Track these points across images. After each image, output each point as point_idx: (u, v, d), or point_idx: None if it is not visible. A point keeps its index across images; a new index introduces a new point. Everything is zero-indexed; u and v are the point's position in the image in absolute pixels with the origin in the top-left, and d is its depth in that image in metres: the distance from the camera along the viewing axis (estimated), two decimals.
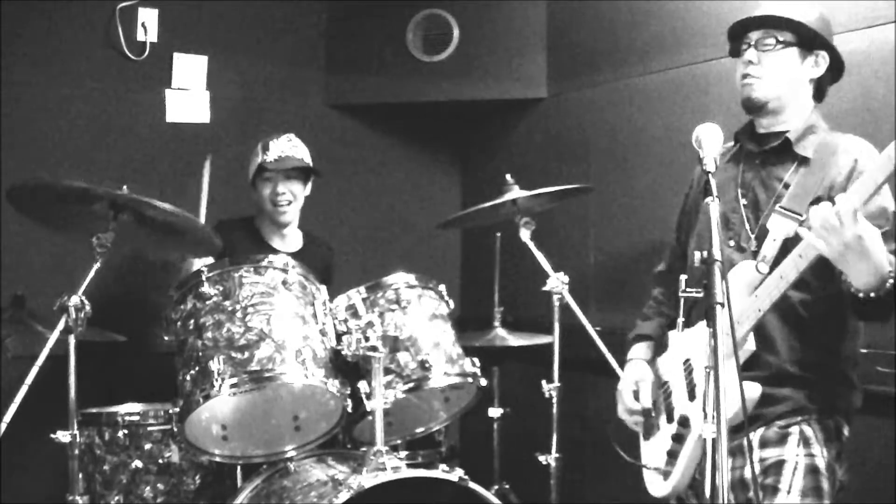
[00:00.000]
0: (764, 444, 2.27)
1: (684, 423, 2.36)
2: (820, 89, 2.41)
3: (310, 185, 3.55)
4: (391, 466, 2.57)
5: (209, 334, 2.67)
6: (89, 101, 3.78)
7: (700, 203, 2.42)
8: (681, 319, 2.20)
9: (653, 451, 2.50)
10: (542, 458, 3.08)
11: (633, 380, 2.59)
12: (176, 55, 3.91)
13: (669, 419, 2.44)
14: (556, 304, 3.06)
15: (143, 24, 3.84)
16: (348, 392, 2.74)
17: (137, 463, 2.87)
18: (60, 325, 2.39)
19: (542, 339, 3.34)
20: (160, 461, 2.89)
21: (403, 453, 3.21)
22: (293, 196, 3.47)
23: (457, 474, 2.58)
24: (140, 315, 3.65)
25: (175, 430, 2.70)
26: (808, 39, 2.34)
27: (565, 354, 3.09)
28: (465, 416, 3.13)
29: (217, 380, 2.59)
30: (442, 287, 3.04)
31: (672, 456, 2.39)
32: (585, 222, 3.87)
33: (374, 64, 4.27)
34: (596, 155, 3.85)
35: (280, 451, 2.86)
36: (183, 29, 3.94)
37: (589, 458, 3.49)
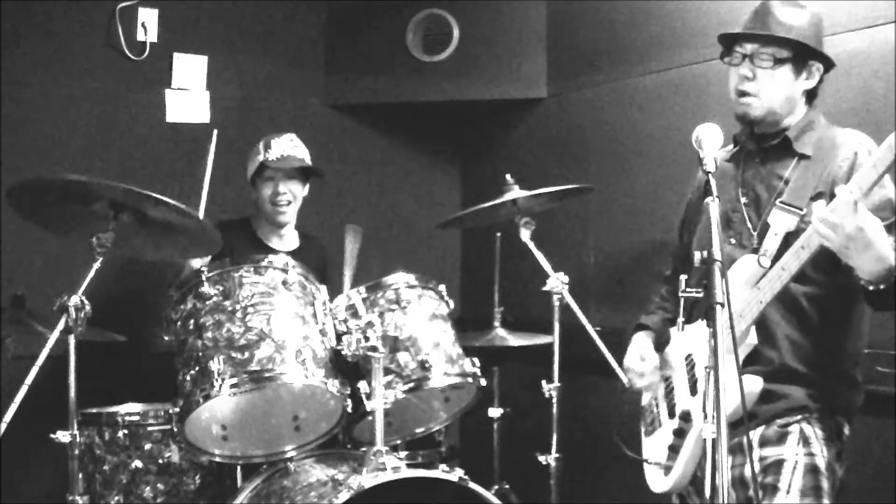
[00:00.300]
0: (764, 442, 2.27)
1: (686, 417, 2.36)
2: (813, 93, 2.41)
3: (307, 186, 3.55)
4: (391, 466, 2.57)
5: (209, 334, 2.67)
6: (89, 101, 3.78)
7: (701, 205, 2.43)
8: (681, 319, 2.20)
9: (654, 447, 2.50)
10: (542, 458, 3.08)
11: (638, 353, 2.59)
12: (176, 55, 3.91)
13: (671, 414, 2.44)
14: (556, 304, 3.06)
15: (143, 24, 3.84)
16: (348, 392, 2.74)
17: (137, 463, 2.87)
18: (60, 325, 2.39)
19: (542, 339, 3.34)
20: (160, 461, 2.89)
21: (403, 453, 3.21)
22: (293, 196, 3.46)
23: (457, 474, 2.58)
24: (140, 315, 3.65)
25: (175, 430, 2.70)
26: (803, 53, 2.34)
27: (565, 354, 3.09)
28: (465, 416, 3.13)
29: (217, 380, 2.59)
30: (442, 287, 3.04)
31: (673, 451, 2.39)
32: (585, 222, 3.87)
33: (374, 64, 4.27)
34: (596, 155, 3.85)
35: (280, 451, 2.86)
36: (183, 29, 3.94)
37: (589, 458, 3.49)
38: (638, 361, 2.58)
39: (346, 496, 2.44)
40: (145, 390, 3.11)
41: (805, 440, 2.24)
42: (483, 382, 2.97)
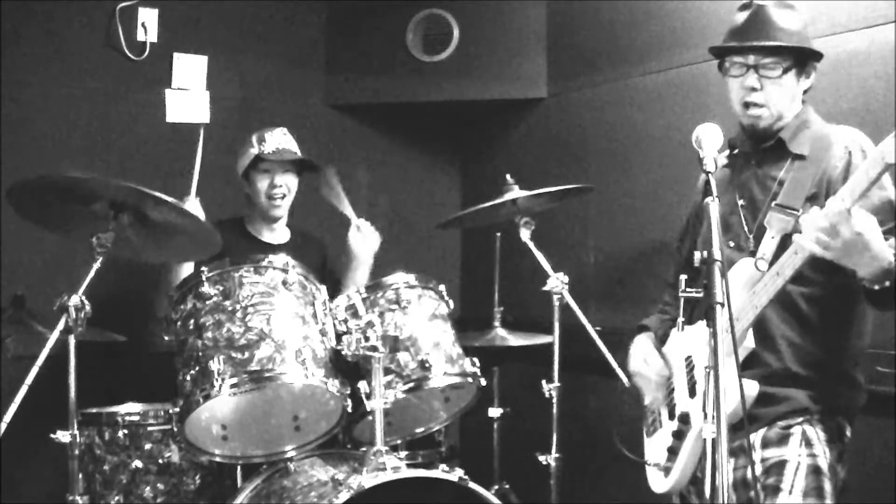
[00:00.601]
0: (766, 444, 2.27)
1: (685, 419, 2.36)
2: (807, 90, 2.42)
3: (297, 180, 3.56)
4: (391, 466, 2.57)
5: (209, 334, 2.67)
6: (89, 101, 3.78)
7: (701, 206, 2.43)
8: (681, 319, 2.21)
9: (655, 448, 2.51)
10: (542, 458, 3.08)
11: (641, 356, 2.59)
12: (176, 55, 3.91)
13: (671, 416, 2.44)
14: (556, 304, 3.06)
15: (143, 24, 3.84)
16: (348, 392, 2.74)
17: (137, 463, 2.87)
18: (60, 325, 2.39)
19: (542, 339, 3.34)
20: (160, 461, 2.89)
21: (403, 453, 3.21)
22: (288, 189, 3.46)
23: (457, 474, 2.58)
24: (140, 315, 3.65)
25: (175, 430, 2.70)
26: (805, 55, 2.34)
27: (565, 354, 3.09)
28: (465, 416, 3.13)
29: (217, 380, 2.59)
30: (442, 287, 3.04)
31: (673, 452, 2.40)
32: (585, 222, 3.87)
33: (374, 64, 4.27)
34: (596, 155, 3.85)
35: (280, 451, 2.86)
36: (183, 29, 3.94)
37: (589, 458, 3.49)
38: (642, 364, 2.57)
39: (346, 496, 2.44)
40: (145, 390, 3.11)
41: (807, 441, 2.24)
42: (483, 382, 2.98)
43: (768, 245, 2.25)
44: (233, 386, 2.60)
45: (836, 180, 2.24)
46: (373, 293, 2.90)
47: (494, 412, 3.51)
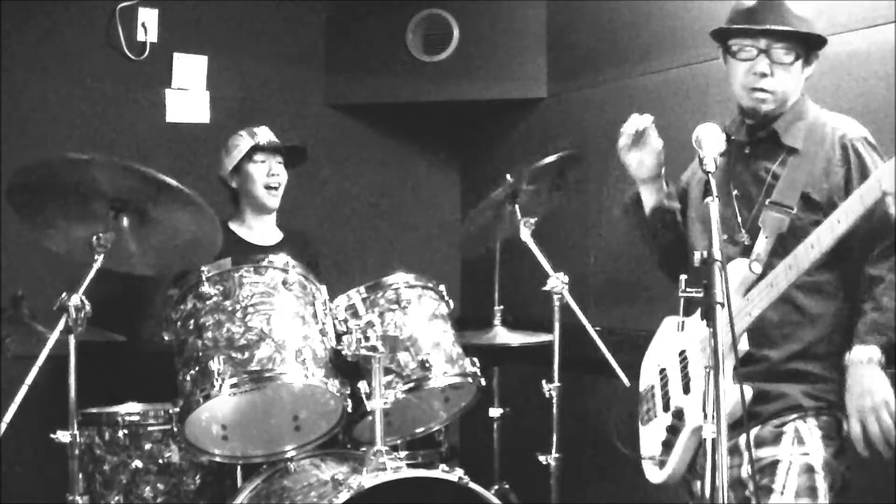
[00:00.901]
0: (759, 443, 2.26)
1: (679, 415, 2.36)
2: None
3: None
4: (391, 466, 2.57)
5: (209, 334, 2.67)
6: (89, 101, 3.78)
7: (698, 199, 2.43)
8: (681, 319, 2.20)
9: (650, 437, 2.50)
10: (542, 458, 3.08)
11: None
12: (176, 55, 3.91)
13: (665, 408, 2.44)
14: (556, 304, 3.06)
15: (143, 24, 3.84)
16: (348, 392, 2.74)
17: (137, 463, 2.87)
18: (60, 325, 2.39)
19: (542, 339, 3.34)
20: (160, 461, 2.89)
21: (403, 453, 3.20)
22: (283, 179, 3.50)
23: (457, 474, 2.58)
24: (140, 315, 3.65)
25: (175, 430, 2.70)
26: (810, 45, 2.33)
27: (565, 354, 3.08)
28: (465, 416, 3.13)
29: (217, 380, 2.59)
30: (442, 287, 3.04)
31: (667, 446, 2.40)
32: (585, 222, 3.87)
33: (374, 64, 4.27)
34: (596, 155, 3.84)
35: (280, 451, 2.86)
36: (183, 29, 3.94)
37: (589, 458, 3.49)
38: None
39: (346, 496, 2.44)
40: (145, 390, 3.11)
41: (800, 439, 2.24)
42: (483, 382, 2.98)
43: (763, 245, 2.25)
44: (233, 386, 2.60)
45: (836, 180, 2.24)
46: (373, 293, 2.90)
47: (494, 412, 3.50)
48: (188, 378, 2.66)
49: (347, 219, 4.35)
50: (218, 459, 2.82)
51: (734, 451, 2.24)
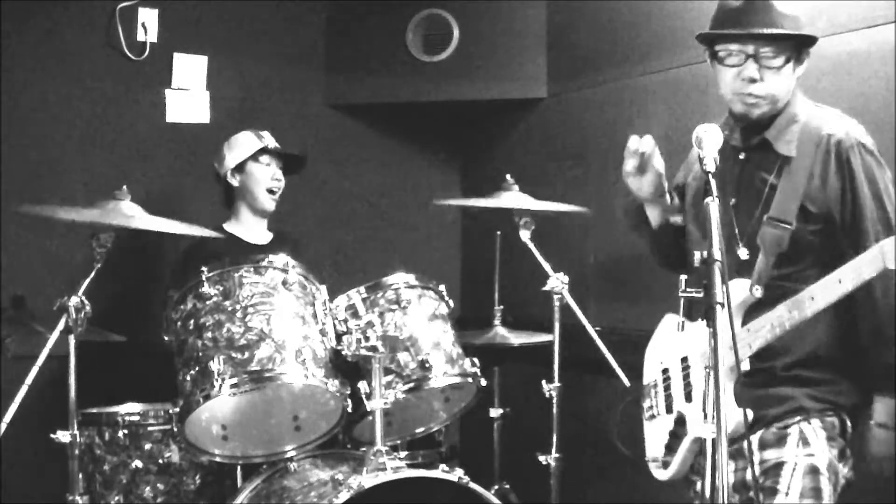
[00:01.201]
0: (763, 445, 2.26)
1: (681, 421, 2.36)
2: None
3: None
4: (391, 466, 2.57)
5: (209, 334, 2.67)
6: (89, 101, 3.78)
7: (697, 199, 2.42)
8: (681, 319, 2.20)
9: (653, 435, 2.50)
10: (542, 458, 3.08)
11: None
12: (176, 55, 3.91)
13: (668, 410, 2.44)
14: (556, 304, 3.06)
15: (143, 24, 3.83)
16: (348, 392, 2.74)
17: (137, 463, 2.87)
18: (60, 325, 2.39)
19: (542, 339, 3.34)
20: (160, 461, 2.89)
21: (403, 453, 3.20)
22: (282, 185, 3.53)
23: (457, 474, 2.58)
24: (140, 315, 3.65)
25: (175, 430, 2.70)
26: (801, 43, 2.26)
27: (565, 354, 3.09)
28: (465, 416, 3.13)
29: (217, 380, 2.59)
30: (442, 287, 3.04)
31: (670, 449, 2.40)
32: (585, 222, 3.87)
33: (374, 64, 4.27)
34: (596, 155, 3.84)
35: (280, 451, 2.86)
36: (183, 29, 3.94)
37: (589, 458, 3.49)
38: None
39: (346, 496, 2.44)
40: (145, 390, 3.11)
41: (804, 441, 2.23)
42: (483, 382, 2.98)
43: (762, 265, 2.22)
44: (233, 386, 2.60)
45: (834, 200, 2.21)
46: (373, 293, 2.90)
47: (494, 412, 3.51)
48: (188, 378, 2.66)
49: (347, 219, 4.35)
50: (218, 459, 2.82)
51: (739, 454, 2.23)
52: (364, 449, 2.71)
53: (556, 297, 3.05)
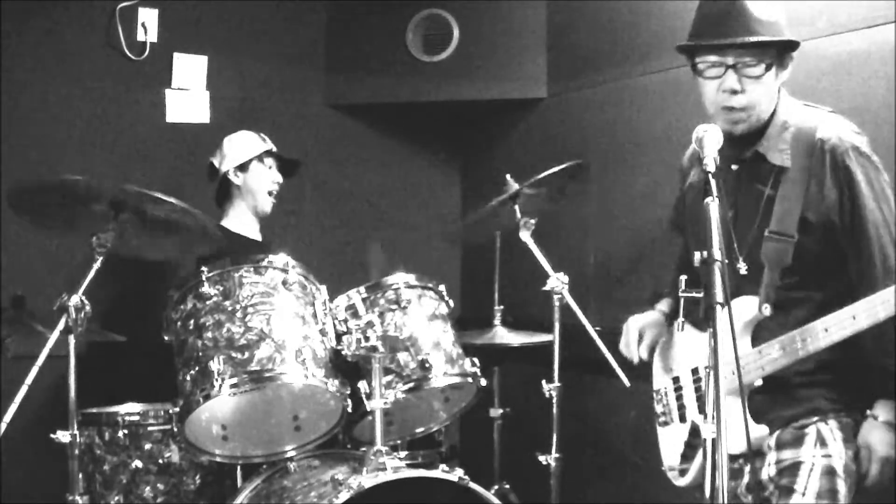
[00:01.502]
0: (780, 445, 2.25)
1: (695, 432, 2.36)
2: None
3: None
4: (391, 466, 2.57)
5: (209, 334, 2.67)
6: (89, 101, 3.78)
7: (696, 205, 2.40)
8: (681, 319, 2.19)
9: (669, 446, 2.50)
10: (542, 458, 3.08)
11: (643, 322, 2.58)
12: (176, 55, 3.91)
13: (682, 419, 2.44)
14: (556, 304, 3.05)
15: (143, 24, 3.84)
16: (348, 392, 2.74)
17: (137, 463, 2.87)
18: (60, 325, 2.39)
19: (542, 339, 3.34)
20: (160, 461, 2.89)
21: (403, 453, 3.20)
22: (279, 189, 3.57)
23: (457, 474, 2.58)
24: (140, 315, 3.64)
25: (175, 430, 2.70)
26: (783, 48, 2.21)
27: (565, 354, 3.08)
28: (465, 416, 3.13)
29: (217, 380, 2.59)
30: (442, 287, 3.04)
31: (686, 458, 2.41)
32: (585, 222, 3.87)
33: (374, 64, 4.27)
34: (596, 155, 3.84)
35: (280, 451, 2.86)
36: (183, 29, 3.94)
37: (589, 458, 3.49)
38: (634, 335, 2.57)
39: (346, 496, 2.44)
40: (145, 390, 3.11)
41: (822, 441, 2.22)
42: (483, 382, 2.98)
43: (768, 281, 2.20)
44: (233, 386, 2.60)
45: (833, 208, 2.19)
46: (373, 293, 2.91)
47: (494, 412, 3.51)
48: (188, 378, 2.66)
49: (347, 219, 4.35)
50: (218, 459, 2.82)
51: (757, 452, 2.22)
52: (364, 449, 2.70)
53: (556, 296, 3.04)
